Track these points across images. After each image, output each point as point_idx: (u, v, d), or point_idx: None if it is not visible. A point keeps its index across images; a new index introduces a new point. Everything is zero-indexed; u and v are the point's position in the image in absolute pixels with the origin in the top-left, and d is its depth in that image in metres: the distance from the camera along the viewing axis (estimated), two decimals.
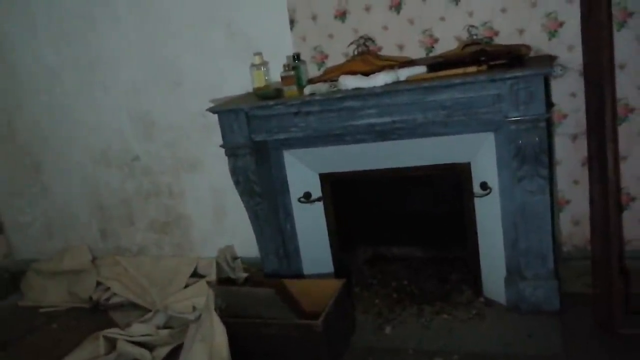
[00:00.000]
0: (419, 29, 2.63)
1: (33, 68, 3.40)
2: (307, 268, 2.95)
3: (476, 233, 2.62)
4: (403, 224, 2.99)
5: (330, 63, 2.79)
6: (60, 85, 3.37)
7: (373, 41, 2.70)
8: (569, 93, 2.50)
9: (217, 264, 3.13)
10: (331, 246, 2.92)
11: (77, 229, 3.66)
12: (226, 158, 2.69)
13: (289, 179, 2.85)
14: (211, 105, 2.70)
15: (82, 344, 2.70)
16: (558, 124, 2.56)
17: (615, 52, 2.32)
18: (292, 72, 2.55)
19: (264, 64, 2.69)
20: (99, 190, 3.53)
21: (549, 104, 2.42)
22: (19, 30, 3.34)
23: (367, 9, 2.68)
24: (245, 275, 3.13)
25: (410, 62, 2.55)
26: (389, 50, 2.70)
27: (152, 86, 3.18)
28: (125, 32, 3.13)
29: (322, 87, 2.48)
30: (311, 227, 2.90)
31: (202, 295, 2.76)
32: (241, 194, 2.74)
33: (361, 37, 2.69)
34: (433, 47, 2.64)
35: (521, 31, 2.50)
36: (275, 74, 2.68)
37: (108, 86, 3.27)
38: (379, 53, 2.70)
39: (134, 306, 3.12)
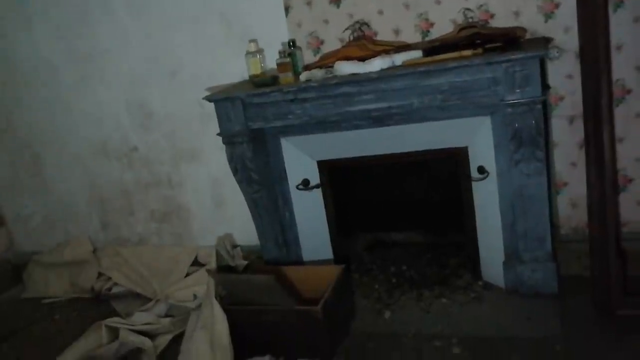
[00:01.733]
0: (414, 13, 2.62)
1: (31, 62, 3.38)
2: (307, 255, 2.96)
3: (474, 217, 2.62)
4: (401, 210, 2.99)
5: (326, 49, 2.78)
6: (58, 78, 3.36)
7: (368, 26, 2.69)
8: (565, 75, 2.50)
9: (217, 252, 3.14)
10: (330, 233, 2.93)
11: (78, 220, 3.67)
12: (224, 147, 2.69)
13: (287, 166, 2.85)
14: (208, 94, 2.70)
15: (84, 333, 2.71)
16: (555, 107, 2.55)
17: (611, 33, 2.31)
18: (288, 59, 2.54)
19: (260, 51, 2.68)
20: (99, 182, 3.54)
21: (545, 87, 2.41)
22: (16, 24, 3.33)
23: None
24: (245, 263, 3.14)
25: (406, 47, 2.54)
26: (384, 35, 2.69)
27: (150, 77, 3.17)
28: (121, 24, 3.11)
29: (318, 74, 2.48)
30: (310, 214, 2.91)
31: (202, 284, 2.78)
32: (239, 182, 2.75)
33: (357, 22, 2.68)
34: (429, 31, 2.63)
35: (517, 13, 2.49)
36: (271, 61, 2.67)
37: (106, 78, 3.27)
38: (375, 38, 2.69)
39: (136, 295, 3.14)
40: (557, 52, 2.47)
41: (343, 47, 2.67)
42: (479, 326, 2.39)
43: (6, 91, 3.52)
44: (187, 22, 2.98)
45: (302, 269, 2.74)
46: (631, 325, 2.20)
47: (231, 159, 2.69)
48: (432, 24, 2.61)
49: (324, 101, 2.47)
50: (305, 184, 2.84)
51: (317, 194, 2.87)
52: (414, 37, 2.65)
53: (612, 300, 2.27)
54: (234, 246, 3.27)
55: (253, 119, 2.60)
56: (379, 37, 2.69)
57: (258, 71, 2.66)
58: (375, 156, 2.70)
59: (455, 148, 2.56)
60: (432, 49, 2.37)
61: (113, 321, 2.70)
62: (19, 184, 3.74)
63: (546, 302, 2.43)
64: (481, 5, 2.52)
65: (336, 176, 2.88)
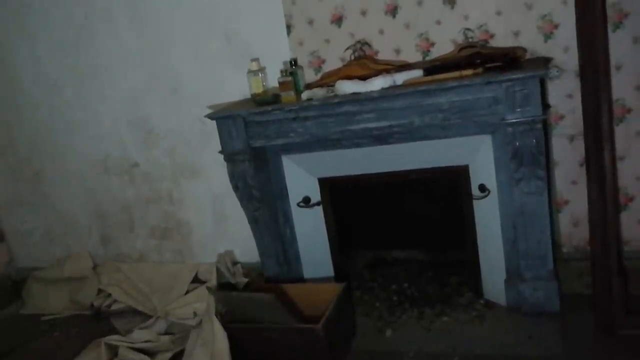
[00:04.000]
0: (415, 33, 2.64)
1: (32, 78, 3.41)
2: (307, 272, 2.95)
3: (475, 235, 2.62)
4: (402, 228, 2.98)
5: (327, 68, 2.80)
6: (59, 94, 3.39)
7: (369, 45, 2.71)
8: (565, 94, 2.51)
9: (217, 269, 3.13)
10: (331, 250, 2.92)
11: (78, 236, 3.67)
12: (225, 164, 2.70)
13: (288, 183, 2.85)
14: (209, 111, 2.71)
15: (84, 351, 2.70)
16: (555, 125, 2.56)
17: (611, 52, 2.32)
18: (290, 78, 2.56)
19: (261, 69, 2.69)
20: (99, 198, 3.54)
21: (546, 106, 2.42)
22: (18, 41, 3.36)
23: (363, 13, 2.68)
24: (245, 280, 3.13)
25: (406, 66, 2.56)
26: (385, 54, 2.71)
27: (151, 94, 3.19)
28: (123, 41, 3.14)
29: (319, 92, 2.49)
30: (311, 232, 2.90)
31: (202, 301, 2.78)
32: (240, 199, 2.75)
33: (358, 42, 2.70)
34: (429, 50, 2.65)
35: (517, 33, 2.51)
36: (273, 80, 2.69)
37: (107, 94, 3.28)
38: (376, 57, 2.71)
39: (135, 313, 3.12)
40: (557, 72, 2.49)
41: (344, 66, 2.69)
42: (480, 345, 2.37)
43: (8, 107, 3.54)
44: (189, 39, 3.00)
45: (303, 287, 2.73)
46: (633, 345, 2.18)
47: (232, 177, 2.70)
48: (432, 44, 2.63)
49: (325, 119, 2.48)
50: (306, 202, 2.85)
51: (318, 211, 2.87)
52: (414, 57, 2.67)
53: (614, 319, 2.26)
54: (235, 263, 3.26)
55: (254, 136, 2.60)
56: (380, 57, 2.71)
57: (260, 89, 2.67)
58: (376, 174, 2.71)
59: (457, 166, 2.56)
60: (433, 68, 2.39)
61: (113, 339, 2.68)
62: (20, 199, 3.74)
63: (548, 321, 2.42)
64: (481, 26, 2.55)
65: (337, 194, 2.88)
